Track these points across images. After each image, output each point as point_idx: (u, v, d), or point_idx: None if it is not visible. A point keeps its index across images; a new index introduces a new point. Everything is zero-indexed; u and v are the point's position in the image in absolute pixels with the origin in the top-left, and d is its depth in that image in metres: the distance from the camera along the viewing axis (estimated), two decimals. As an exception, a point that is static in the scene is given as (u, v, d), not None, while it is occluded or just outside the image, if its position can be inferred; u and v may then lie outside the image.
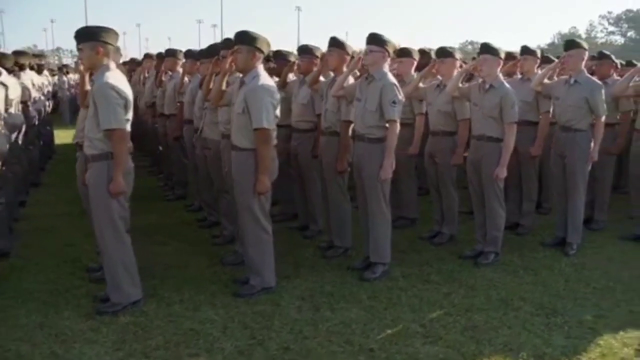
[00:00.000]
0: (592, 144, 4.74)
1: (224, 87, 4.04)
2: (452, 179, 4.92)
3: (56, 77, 14.89)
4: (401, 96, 4.02)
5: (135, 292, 3.67)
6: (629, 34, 65.12)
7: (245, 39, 3.74)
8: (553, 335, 3.45)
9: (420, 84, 5.04)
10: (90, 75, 3.79)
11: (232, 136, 3.84)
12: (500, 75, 4.45)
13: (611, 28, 69.26)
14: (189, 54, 5.69)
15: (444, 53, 4.83)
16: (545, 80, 5.03)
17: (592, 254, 4.89)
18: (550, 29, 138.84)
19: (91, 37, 3.45)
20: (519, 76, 5.39)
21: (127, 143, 3.51)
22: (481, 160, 4.45)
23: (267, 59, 4.86)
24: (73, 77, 16.25)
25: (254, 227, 3.84)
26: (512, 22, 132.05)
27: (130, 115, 3.52)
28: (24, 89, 6.06)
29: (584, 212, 5.57)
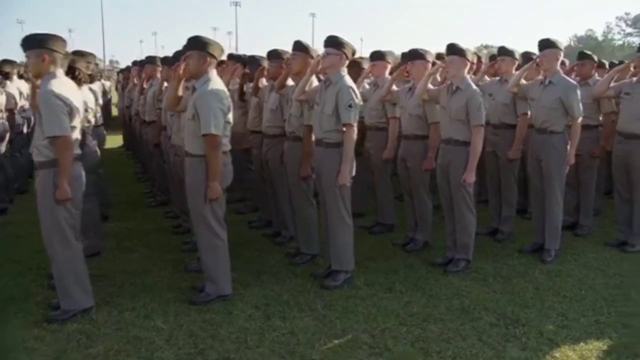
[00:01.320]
0: (568, 147, 4.57)
1: (179, 93, 4.01)
2: (424, 185, 4.79)
3: None
4: (358, 99, 3.93)
5: (86, 299, 3.65)
6: None
7: (197, 44, 3.70)
8: (508, 347, 3.31)
9: (394, 87, 4.94)
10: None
11: (185, 142, 3.80)
12: (468, 77, 4.32)
13: (629, 29, 67.24)
14: (165, 60, 5.69)
15: (414, 55, 4.71)
16: (522, 81, 4.88)
17: (571, 260, 4.71)
18: (566, 32, 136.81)
19: (37, 44, 3.45)
20: (497, 78, 5.24)
21: (73, 150, 3.49)
22: (449, 165, 4.31)
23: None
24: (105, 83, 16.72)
25: (207, 234, 3.79)
26: (527, 26, 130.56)
27: (76, 122, 3.50)
28: (9, 97, 6.14)
29: (571, 216, 5.45)
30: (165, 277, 4.34)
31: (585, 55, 5.35)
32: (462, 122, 4.21)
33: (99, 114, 5.46)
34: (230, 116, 3.74)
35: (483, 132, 4.20)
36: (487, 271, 4.43)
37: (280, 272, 4.41)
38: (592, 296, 4.01)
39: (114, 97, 17.35)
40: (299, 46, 4.37)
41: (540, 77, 4.71)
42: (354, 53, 4.11)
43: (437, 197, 4.97)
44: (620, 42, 65.34)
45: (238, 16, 70.68)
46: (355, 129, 3.94)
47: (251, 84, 5.34)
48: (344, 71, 4.01)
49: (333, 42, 3.97)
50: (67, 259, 3.55)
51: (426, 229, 4.87)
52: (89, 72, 4.64)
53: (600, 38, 66.41)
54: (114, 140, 11.78)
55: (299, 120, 4.38)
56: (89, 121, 4.49)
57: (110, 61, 67.69)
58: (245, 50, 7.37)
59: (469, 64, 4.30)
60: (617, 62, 6.04)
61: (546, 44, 4.54)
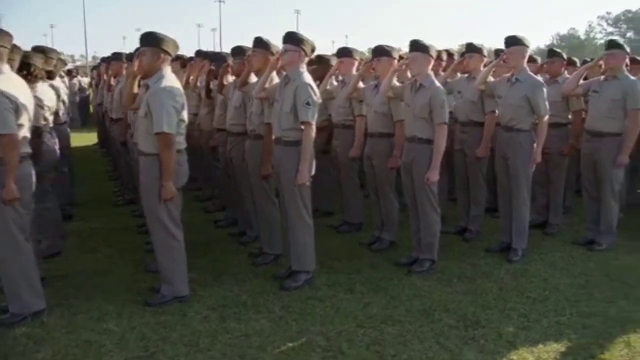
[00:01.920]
0: (535, 145, 4.52)
1: (135, 90, 3.91)
2: (390, 183, 4.73)
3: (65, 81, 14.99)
4: (316, 97, 3.85)
5: (37, 302, 3.55)
6: (628, 34, 64.00)
7: (150, 40, 3.61)
8: (465, 350, 3.25)
9: (360, 84, 4.87)
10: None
11: (138, 140, 3.71)
12: (432, 74, 4.25)
13: (610, 29, 68.24)
14: (130, 57, 5.58)
15: (380, 51, 4.64)
16: (490, 79, 4.83)
17: (537, 259, 4.66)
18: (548, 31, 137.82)
19: None
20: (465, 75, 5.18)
21: (20, 149, 3.38)
22: (413, 163, 4.25)
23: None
24: (81, 80, 16.59)
25: (162, 235, 3.70)
26: (510, 24, 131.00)
27: (24, 120, 3.39)
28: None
29: (541, 215, 5.42)
30: (125, 277, 4.25)
31: (555, 53, 5.30)
32: (425, 120, 4.15)
33: (62, 111, 5.34)
34: (185, 114, 3.65)
35: (446, 130, 4.13)
36: (452, 271, 4.38)
37: (242, 272, 4.33)
38: (555, 296, 3.96)
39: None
40: (259, 43, 4.28)
41: (508, 74, 4.65)
42: (313, 50, 4.03)
43: (404, 195, 4.93)
44: (602, 41, 65.61)
45: (222, 13, 70.28)
46: (314, 127, 3.86)
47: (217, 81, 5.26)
48: (303, 68, 3.93)
49: (291, 39, 3.89)
50: (16, 260, 3.45)
51: (392, 229, 4.81)
52: (49, 68, 4.53)
53: (582, 37, 67.27)
54: (91, 138, 11.68)
55: (259, 118, 4.30)
56: (45, 119, 4.38)
57: (94, 57, 66.98)
58: (230, 47, 7.36)
59: (432, 61, 4.22)
60: (588, 60, 6.00)
61: (512, 41, 4.48)
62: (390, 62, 4.57)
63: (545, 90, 4.49)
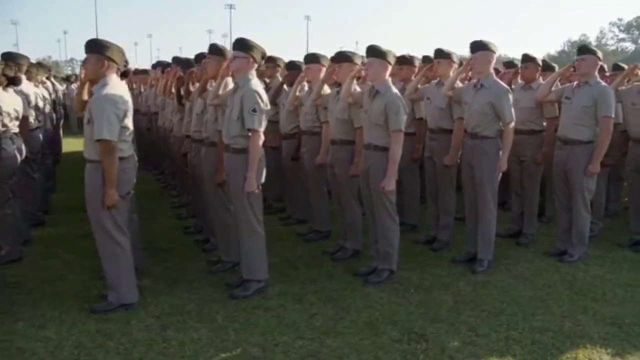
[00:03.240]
0: (501, 153, 4.39)
1: (85, 97, 3.90)
2: (352, 191, 4.63)
3: (64, 87, 15.18)
4: (263, 104, 3.79)
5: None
6: None
7: (93, 47, 3.60)
8: (401, 365, 3.16)
9: (327, 90, 4.80)
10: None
11: (83, 147, 3.70)
12: (389, 81, 4.16)
13: (622, 35, 67.68)
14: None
15: (341, 57, 4.57)
16: (457, 84, 4.72)
17: (503, 270, 4.53)
18: (560, 37, 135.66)
19: None
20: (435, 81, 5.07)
21: None
22: (369, 171, 4.16)
23: None
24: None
25: (107, 242, 3.68)
26: (522, 30, 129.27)
27: None
28: None
29: (516, 224, 5.29)
30: (78, 284, 4.23)
31: (529, 58, 5.15)
32: (381, 127, 4.06)
33: (32, 118, 5.38)
34: (128, 121, 3.62)
35: (402, 137, 4.03)
36: (410, 282, 4.27)
37: (197, 280, 4.29)
38: (511, 310, 3.83)
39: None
40: (214, 49, 4.26)
41: (474, 80, 4.54)
42: (263, 56, 3.97)
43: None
44: (614, 48, 65.27)
45: (233, 19, 70.74)
46: (261, 134, 3.80)
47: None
48: (252, 75, 3.87)
49: (241, 45, 3.84)
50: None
51: (356, 237, 4.72)
52: (10, 75, 4.56)
53: (594, 43, 66.01)
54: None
55: (214, 125, 4.26)
56: (5, 125, 4.40)
57: None
58: None
59: (390, 67, 4.13)
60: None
61: (478, 46, 4.37)
62: (351, 68, 4.49)
63: (510, 96, 4.37)
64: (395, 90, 4.08)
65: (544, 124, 5.05)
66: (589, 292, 4.13)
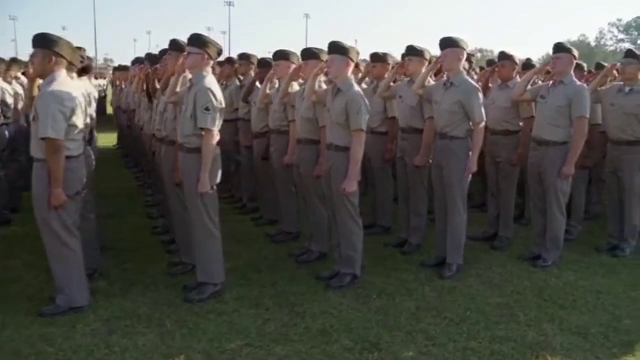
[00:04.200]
0: (470, 154, 4.24)
1: (35, 93, 3.78)
2: (317, 192, 4.48)
3: None
4: (217, 102, 3.66)
5: None
6: (639, 41, 62.61)
7: (40, 42, 3.48)
8: (349, 375, 3.02)
9: (296, 88, 4.67)
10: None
11: (31, 146, 3.59)
12: (352, 78, 4.02)
13: (621, 36, 67.06)
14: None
15: (307, 54, 4.43)
16: (429, 82, 4.57)
17: (473, 275, 4.38)
18: (559, 37, 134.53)
19: None
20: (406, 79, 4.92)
21: None
22: (330, 172, 4.03)
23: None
24: (96, 82, 16.82)
25: (55, 244, 3.56)
26: (521, 30, 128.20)
27: None
28: None
29: (492, 227, 5.14)
30: (34, 286, 4.12)
31: (506, 56, 4.98)
32: (342, 127, 3.91)
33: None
34: (77, 119, 3.49)
35: (364, 137, 3.89)
36: (374, 287, 4.13)
37: (155, 282, 4.17)
38: (475, 318, 3.68)
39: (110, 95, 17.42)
40: (173, 45, 4.13)
41: (444, 79, 4.39)
42: (219, 53, 3.84)
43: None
44: (613, 48, 64.73)
45: (232, 16, 70.68)
46: (215, 134, 3.67)
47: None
48: (207, 72, 3.74)
49: (195, 41, 3.71)
50: None
51: (322, 240, 4.58)
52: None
53: (593, 44, 66.12)
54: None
55: (172, 123, 4.15)
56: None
57: (105, 59, 68.20)
58: (239, 50, 7.28)
59: (352, 64, 3.99)
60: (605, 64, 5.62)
61: (447, 43, 4.21)
62: (318, 65, 4.35)
63: (480, 95, 4.21)
64: (357, 88, 3.93)
65: (521, 124, 4.88)
66: (559, 300, 3.98)
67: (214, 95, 3.64)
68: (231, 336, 3.40)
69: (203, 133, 3.65)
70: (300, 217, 5.09)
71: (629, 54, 4.75)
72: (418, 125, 4.69)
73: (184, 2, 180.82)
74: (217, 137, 3.71)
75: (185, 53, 3.84)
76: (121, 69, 8.42)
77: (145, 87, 5.30)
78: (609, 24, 69.29)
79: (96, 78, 15.96)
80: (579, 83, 4.40)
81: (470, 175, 4.31)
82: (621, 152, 4.74)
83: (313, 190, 4.47)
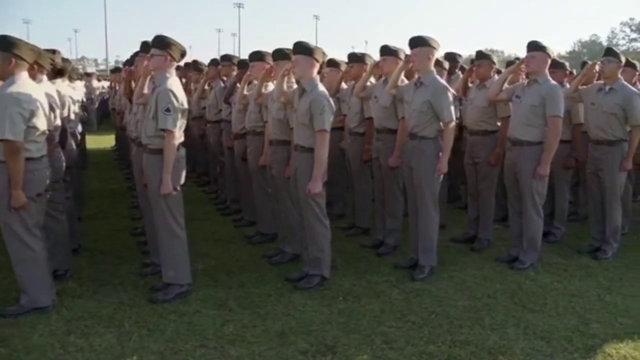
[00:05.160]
0: (441, 154, 4.18)
1: None
2: (289, 193, 4.47)
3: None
4: (178, 103, 3.66)
5: None
6: None
7: (1, 44, 3.51)
8: (299, 378, 3.00)
9: (263, 90, 4.66)
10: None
11: None
12: (317, 78, 3.99)
13: (633, 35, 65.84)
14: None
15: (279, 55, 4.41)
16: (401, 82, 4.52)
17: (445, 278, 4.32)
18: (570, 37, 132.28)
19: None
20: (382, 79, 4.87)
21: None
22: (296, 173, 4.01)
23: None
24: (99, 84, 17.15)
25: (16, 245, 3.58)
26: (532, 30, 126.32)
27: None
28: None
29: (473, 229, 5.08)
30: (3, 286, 4.15)
31: (483, 55, 4.91)
32: (307, 127, 3.89)
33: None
34: (37, 121, 3.51)
35: (327, 137, 3.85)
36: (342, 288, 4.09)
37: (124, 283, 4.18)
38: (438, 321, 3.62)
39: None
40: (143, 47, 4.15)
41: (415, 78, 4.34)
42: (183, 54, 3.84)
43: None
44: (625, 48, 63.23)
45: (241, 18, 70.95)
46: (176, 135, 3.67)
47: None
48: (170, 73, 3.74)
49: (158, 43, 3.72)
50: None
51: (294, 241, 4.54)
52: None
53: (604, 43, 64.61)
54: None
55: (141, 124, 4.15)
56: None
57: (116, 61, 68.87)
58: (249, 51, 7.25)
59: (317, 64, 3.96)
60: None
61: (416, 42, 4.16)
62: (262, 67, 4.36)
63: (450, 94, 4.15)
64: (321, 88, 3.91)
65: (499, 124, 4.80)
66: (529, 303, 3.90)
67: (175, 97, 3.65)
68: (188, 337, 3.39)
69: (164, 134, 3.65)
70: (276, 218, 5.07)
71: (609, 52, 4.64)
72: (392, 126, 4.65)
73: (193, 4, 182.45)
74: (181, 138, 3.71)
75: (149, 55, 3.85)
76: (117, 70, 8.51)
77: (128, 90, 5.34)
78: (621, 23, 68.40)
79: (98, 80, 16.20)
80: (552, 82, 4.31)
81: (441, 176, 4.26)
82: (602, 152, 4.64)
83: (284, 191, 4.45)
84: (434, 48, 4.18)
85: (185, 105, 3.77)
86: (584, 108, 4.83)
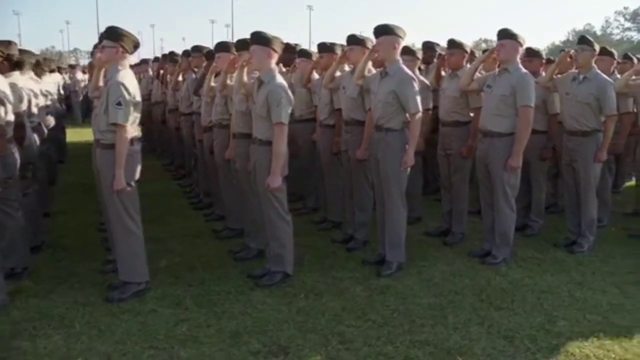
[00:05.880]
0: (407, 146, 4.05)
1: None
2: (251, 187, 4.34)
3: (67, 77, 15.08)
4: (130, 96, 3.53)
5: None
6: None
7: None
8: (246, 380, 2.89)
9: (229, 82, 4.52)
10: None
11: None
12: (275, 69, 3.85)
13: (627, 24, 64.86)
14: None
15: (241, 46, 4.28)
16: (368, 72, 4.38)
17: (413, 274, 4.20)
18: (564, 26, 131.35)
19: None
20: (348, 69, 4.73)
21: None
22: (255, 167, 3.89)
23: None
24: (84, 76, 16.85)
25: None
26: (526, 20, 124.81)
27: None
28: None
29: (446, 222, 4.96)
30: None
31: (454, 44, 4.75)
32: (264, 119, 3.76)
33: None
34: None
35: (285, 130, 3.72)
36: (305, 286, 3.98)
37: (82, 281, 4.07)
38: (400, 320, 3.51)
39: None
40: (101, 39, 4.00)
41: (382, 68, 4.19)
42: (136, 46, 3.70)
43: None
44: (619, 37, 62.76)
45: (235, 8, 70.48)
46: (128, 129, 3.54)
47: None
48: (123, 65, 3.61)
49: (109, 34, 3.58)
50: None
51: (259, 237, 4.42)
52: None
53: (599, 33, 64.04)
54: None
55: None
56: None
57: None
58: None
59: (275, 55, 3.82)
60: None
61: (381, 31, 4.00)
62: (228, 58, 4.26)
63: (415, 84, 4.01)
64: (279, 80, 3.77)
65: (471, 114, 4.66)
66: (496, 300, 3.78)
67: (127, 90, 3.51)
68: (139, 337, 3.29)
69: (115, 128, 3.53)
70: (243, 212, 4.96)
71: (582, 40, 4.49)
72: (359, 117, 4.51)
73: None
74: (135, 133, 3.59)
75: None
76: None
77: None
78: (615, 12, 68.22)
79: (84, 72, 15.96)
80: (523, 71, 4.16)
81: (408, 169, 4.13)
82: (576, 143, 4.51)
83: (247, 186, 4.33)
84: (400, 37, 4.03)
85: (138, 99, 3.64)
86: (559, 98, 4.68)
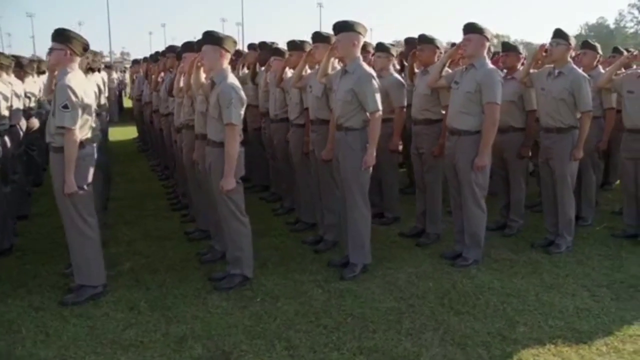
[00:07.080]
0: (368, 146, 3.93)
1: None
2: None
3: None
4: (77, 99, 3.48)
5: None
6: None
7: None
8: (180, 389, 2.83)
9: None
10: None
11: None
12: (228, 69, 3.77)
13: None
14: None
15: (186, 48, 4.25)
16: (332, 70, 4.27)
17: (377, 277, 4.09)
18: (577, 20, 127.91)
19: None
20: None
21: None
22: (210, 170, 3.82)
23: None
24: (117, 75, 17.30)
25: None
26: (538, 14, 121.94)
27: None
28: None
29: (420, 223, 4.83)
30: None
31: (425, 39, 4.60)
32: (217, 121, 3.69)
33: None
34: None
35: (236, 131, 3.64)
36: (263, 289, 3.90)
37: (42, 284, 4.06)
38: (353, 325, 3.41)
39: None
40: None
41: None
42: (86, 48, 3.66)
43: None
44: (633, 30, 60.99)
45: (245, 7, 70.70)
46: (75, 132, 3.50)
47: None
48: (72, 68, 3.57)
49: (57, 36, 3.55)
50: None
51: (224, 238, 4.37)
52: None
53: (612, 26, 62.34)
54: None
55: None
56: None
57: (122, 53, 69.35)
58: (253, 41, 7.22)
59: (227, 54, 3.74)
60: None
61: (340, 27, 3.89)
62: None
63: (374, 82, 3.89)
64: (231, 80, 3.68)
65: (443, 112, 4.52)
66: (458, 304, 3.65)
67: (73, 92, 3.47)
68: (84, 342, 3.26)
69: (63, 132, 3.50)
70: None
71: (557, 33, 4.30)
72: (325, 116, 4.42)
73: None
74: (86, 135, 3.56)
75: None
76: (136, 62, 8.55)
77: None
78: (629, 4, 66.18)
79: (98, 71, 16.15)
80: (490, 67, 4.01)
81: (370, 169, 4.01)
82: (551, 140, 4.33)
83: (209, 188, 4.26)
84: (360, 34, 3.91)
85: (87, 101, 3.60)
86: (535, 94, 4.51)
